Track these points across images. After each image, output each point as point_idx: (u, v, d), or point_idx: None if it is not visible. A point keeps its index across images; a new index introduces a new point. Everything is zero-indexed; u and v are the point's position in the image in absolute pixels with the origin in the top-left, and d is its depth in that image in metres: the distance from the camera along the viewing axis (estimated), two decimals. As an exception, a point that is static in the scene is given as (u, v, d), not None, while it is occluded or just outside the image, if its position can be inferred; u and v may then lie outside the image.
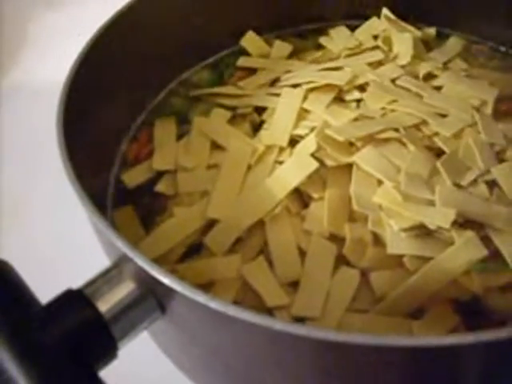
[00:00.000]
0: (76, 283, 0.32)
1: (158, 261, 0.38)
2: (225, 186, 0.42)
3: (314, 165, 0.41)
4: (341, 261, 0.39)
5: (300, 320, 0.36)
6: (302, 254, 0.39)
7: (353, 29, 0.55)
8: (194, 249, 0.41)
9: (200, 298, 0.27)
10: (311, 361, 0.30)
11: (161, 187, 0.45)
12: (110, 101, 0.45)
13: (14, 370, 0.29)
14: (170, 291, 0.29)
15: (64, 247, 0.51)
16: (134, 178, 0.46)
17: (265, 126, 0.46)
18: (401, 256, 0.38)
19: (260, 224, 0.40)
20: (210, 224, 0.41)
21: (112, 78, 0.46)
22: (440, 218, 0.38)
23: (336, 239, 0.40)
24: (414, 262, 0.38)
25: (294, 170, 0.41)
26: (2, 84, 0.69)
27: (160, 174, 0.45)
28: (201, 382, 0.39)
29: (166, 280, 0.28)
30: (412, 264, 0.38)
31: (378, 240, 0.40)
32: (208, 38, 0.54)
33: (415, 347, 0.27)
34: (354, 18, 0.56)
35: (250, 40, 0.55)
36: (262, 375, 0.33)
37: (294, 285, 0.38)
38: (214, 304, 0.27)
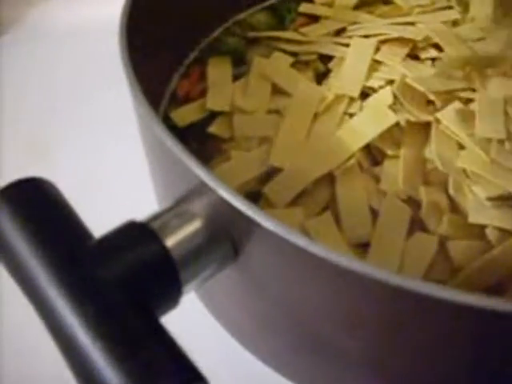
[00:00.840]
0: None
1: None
2: (290, 133, 0.38)
3: (393, 118, 0.37)
4: (414, 226, 0.35)
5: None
6: (374, 213, 0.36)
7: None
8: (250, 199, 0.37)
9: (300, 241, 0.24)
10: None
11: (215, 129, 0.41)
12: (162, 33, 0.41)
13: (66, 310, 0.25)
14: (255, 229, 0.25)
15: (110, 182, 0.47)
16: (184, 116, 0.42)
17: (332, 74, 0.43)
18: (481, 226, 0.35)
19: (327, 177, 0.37)
20: (271, 172, 0.37)
21: (164, 8, 0.42)
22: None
23: (409, 202, 0.36)
24: (497, 234, 0.35)
25: (369, 123, 0.38)
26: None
27: (212, 116, 0.41)
28: (254, 346, 0.36)
29: (258, 218, 0.25)
30: (494, 236, 0.34)
31: (455, 207, 0.36)
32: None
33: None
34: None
35: (315, -14, 0.51)
36: (340, 334, 0.29)
37: (363, 247, 0.35)
38: (315, 248, 0.23)
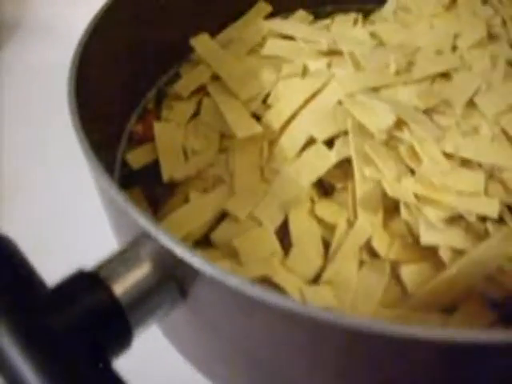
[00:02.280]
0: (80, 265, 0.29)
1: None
2: (244, 176, 0.39)
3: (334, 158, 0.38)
4: (365, 253, 0.36)
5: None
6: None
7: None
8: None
9: (239, 285, 0.24)
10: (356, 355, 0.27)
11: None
12: (118, 74, 0.42)
13: (20, 360, 0.25)
14: (197, 274, 0.26)
15: (68, 226, 0.47)
16: (139, 158, 0.42)
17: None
18: (432, 248, 0.36)
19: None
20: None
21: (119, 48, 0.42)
22: (485, 207, 0.35)
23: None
24: (450, 254, 0.35)
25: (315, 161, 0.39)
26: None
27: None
28: (214, 377, 0.36)
29: (197, 263, 0.25)
30: (447, 256, 0.35)
31: (405, 231, 0.37)
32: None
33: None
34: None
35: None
36: (291, 370, 0.30)
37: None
38: (252, 290, 0.24)
